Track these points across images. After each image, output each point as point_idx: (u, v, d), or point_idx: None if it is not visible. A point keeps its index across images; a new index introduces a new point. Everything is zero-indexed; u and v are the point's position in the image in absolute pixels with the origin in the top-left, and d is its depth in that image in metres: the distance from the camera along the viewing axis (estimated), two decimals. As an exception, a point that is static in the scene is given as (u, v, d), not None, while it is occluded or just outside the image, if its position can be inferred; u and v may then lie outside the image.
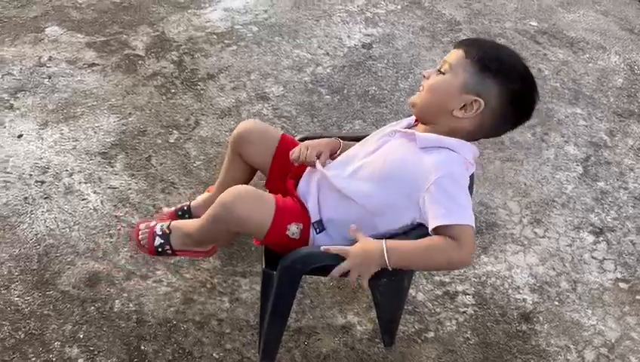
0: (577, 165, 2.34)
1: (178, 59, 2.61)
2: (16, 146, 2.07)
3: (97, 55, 2.55)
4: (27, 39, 2.57)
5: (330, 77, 2.63)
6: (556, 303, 1.82)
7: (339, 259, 1.19)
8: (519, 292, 1.84)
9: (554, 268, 1.93)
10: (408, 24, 3.06)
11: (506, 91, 1.19)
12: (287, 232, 1.28)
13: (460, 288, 1.82)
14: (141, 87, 2.42)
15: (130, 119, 2.25)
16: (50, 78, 2.38)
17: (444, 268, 1.34)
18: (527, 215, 2.10)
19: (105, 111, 2.26)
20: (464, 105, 1.20)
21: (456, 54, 1.22)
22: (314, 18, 3.06)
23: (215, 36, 2.81)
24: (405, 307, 1.67)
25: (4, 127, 2.13)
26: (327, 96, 2.53)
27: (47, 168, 2.00)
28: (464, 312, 1.76)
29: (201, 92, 2.44)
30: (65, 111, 2.24)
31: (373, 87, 2.61)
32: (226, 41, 2.78)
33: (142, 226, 1.55)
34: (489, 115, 1.21)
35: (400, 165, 1.22)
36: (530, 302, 1.82)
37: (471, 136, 1.25)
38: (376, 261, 1.15)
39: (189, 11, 2.97)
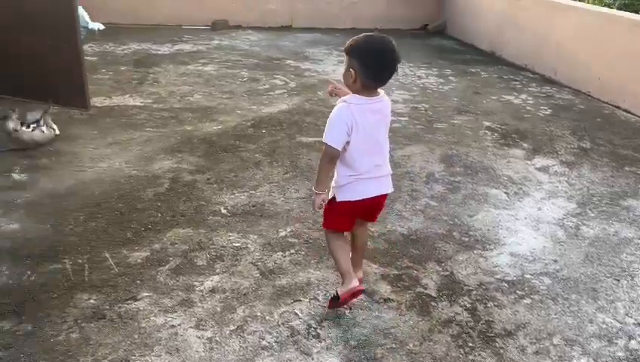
0: None
1: (471, 306, 2.52)
2: (323, 383, 2.07)
3: (392, 289, 2.60)
4: (329, 263, 2.76)
5: (651, 358, 2.26)
6: None
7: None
8: None
9: None
10: None
11: (360, 59, 2.09)
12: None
13: None
14: (437, 334, 2.34)
15: (430, 372, 2.14)
16: (350, 309, 2.45)
17: (324, 170, 2.20)
18: None
19: (404, 358, 2.20)
20: (351, 77, 2.11)
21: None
22: (612, 277, 2.80)
23: (506, 284, 2.70)
24: None
25: (312, 358, 2.17)
26: (652, 383, 2.14)
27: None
28: None
29: (501, 351, 2.26)
30: (365, 350, 2.23)
31: None
32: (518, 292, 2.64)
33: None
34: (361, 74, 2.10)
35: None
36: None
37: (364, 87, 2.13)
38: (314, 196, 2.23)
39: (475, 252, 2.96)
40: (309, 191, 3.48)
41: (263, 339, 2.24)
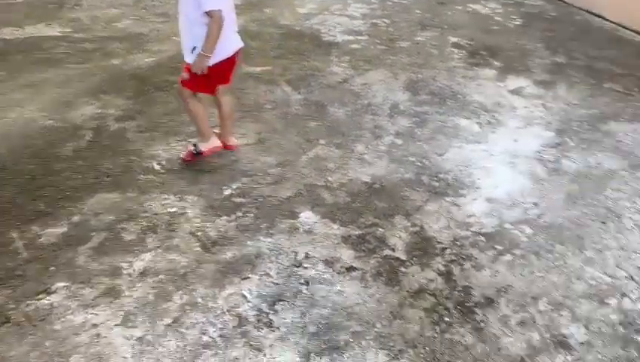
0: None
1: (445, 269, 2.21)
2: (277, 386, 1.75)
3: (355, 255, 2.25)
4: (283, 227, 2.38)
5: (646, 318, 2.02)
6: None
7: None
8: None
9: None
10: None
11: None
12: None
13: None
14: (408, 308, 2.03)
15: (402, 361, 1.84)
16: (307, 284, 2.10)
17: (218, 34, 2.42)
18: None
19: (371, 343, 1.89)
20: None
21: None
22: (598, 219, 2.52)
23: (483, 238, 2.39)
24: None
25: (264, 355, 1.84)
26: (650, 352, 1.91)
27: None
28: None
29: (481, 325, 1.98)
30: (327, 338, 1.90)
31: None
32: (497, 247, 2.34)
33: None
34: None
35: None
36: None
37: None
38: (204, 59, 2.46)
39: (447, 199, 2.62)
40: (257, 134, 3.04)
41: (205, 334, 1.89)
